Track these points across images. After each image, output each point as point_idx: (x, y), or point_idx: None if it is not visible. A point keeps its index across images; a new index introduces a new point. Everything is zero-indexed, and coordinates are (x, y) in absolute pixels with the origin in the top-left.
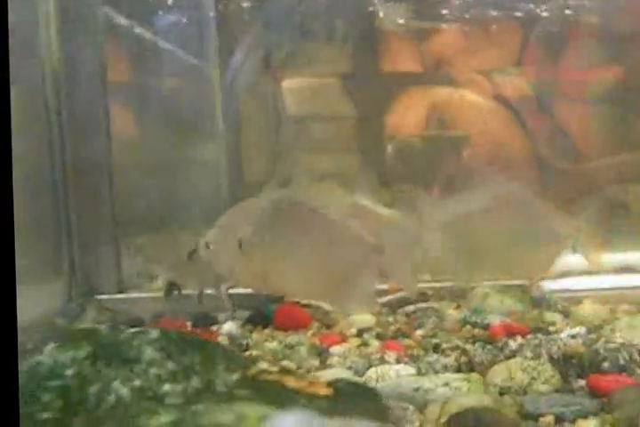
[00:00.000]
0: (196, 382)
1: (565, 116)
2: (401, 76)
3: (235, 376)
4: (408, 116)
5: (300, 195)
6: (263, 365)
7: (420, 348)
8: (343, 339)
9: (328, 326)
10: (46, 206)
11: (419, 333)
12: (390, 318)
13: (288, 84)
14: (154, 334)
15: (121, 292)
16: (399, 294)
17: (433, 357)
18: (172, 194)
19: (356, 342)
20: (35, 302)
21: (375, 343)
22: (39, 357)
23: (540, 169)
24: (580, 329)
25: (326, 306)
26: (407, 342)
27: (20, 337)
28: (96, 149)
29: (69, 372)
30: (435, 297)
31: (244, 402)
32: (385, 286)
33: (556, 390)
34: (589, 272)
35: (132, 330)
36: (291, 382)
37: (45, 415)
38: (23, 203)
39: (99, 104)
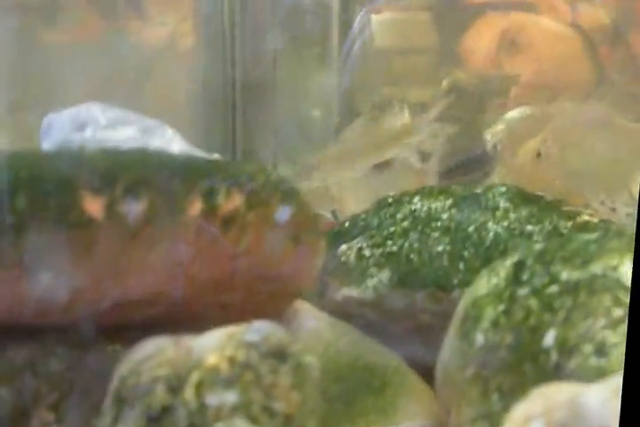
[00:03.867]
0: (547, 224)
1: None
2: (483, 5)
3: (569, 223)
4: (482, 41)
5: None
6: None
7: None
8: None
9: None
10: (219, 116)
11: None
12: None
13: (378, 17)
14: (502, 188)
15: None
16: None
17: None
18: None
19: None
20: None
21: None
22: (410, 206)
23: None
24: None
25: None
26: None
27: None
28: (261, 71)
29: (444, 216)
30: None
31: None
32: None
33: None
34: None
35: (485, 186)
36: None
37: (439, 248)
38: (205, 113)
39: (264, 32)
